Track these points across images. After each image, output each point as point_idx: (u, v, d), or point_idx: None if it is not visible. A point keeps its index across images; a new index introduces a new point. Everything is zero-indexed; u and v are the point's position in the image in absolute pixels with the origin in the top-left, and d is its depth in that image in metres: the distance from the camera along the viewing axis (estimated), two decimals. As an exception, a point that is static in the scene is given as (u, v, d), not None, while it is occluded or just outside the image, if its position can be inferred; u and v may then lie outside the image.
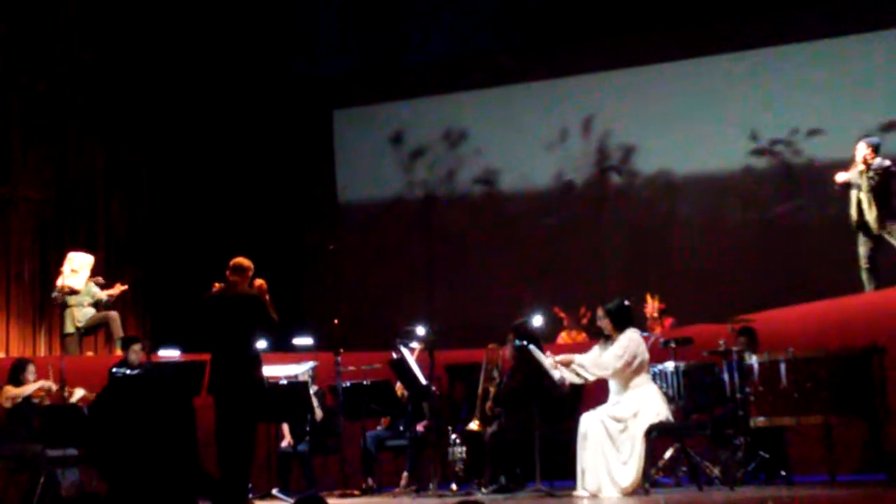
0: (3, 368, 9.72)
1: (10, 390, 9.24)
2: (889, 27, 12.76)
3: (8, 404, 9.18)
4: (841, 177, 9.93)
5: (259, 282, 8.18)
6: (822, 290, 10.15)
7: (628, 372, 7.44)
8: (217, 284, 8.11)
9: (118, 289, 11.70)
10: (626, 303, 7.82)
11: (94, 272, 11.86)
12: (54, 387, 9.29)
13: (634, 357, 7.41)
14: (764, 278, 12.74)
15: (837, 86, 12.91)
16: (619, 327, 7.56)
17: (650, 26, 13.78)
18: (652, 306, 11.38)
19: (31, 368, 9.40)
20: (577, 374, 7.65)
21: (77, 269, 11.48)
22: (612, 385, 7.55)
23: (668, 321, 11.31)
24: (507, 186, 14.65)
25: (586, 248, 13.55)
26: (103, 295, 11.57)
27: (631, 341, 7.45)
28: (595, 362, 7.57)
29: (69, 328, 11.34)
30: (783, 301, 10.00)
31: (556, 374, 7.71)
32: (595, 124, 14.22)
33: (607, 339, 7.65)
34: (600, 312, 7.71)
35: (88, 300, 11.48)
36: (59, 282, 11.39)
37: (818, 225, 12.94)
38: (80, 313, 11.37)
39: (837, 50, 13.05)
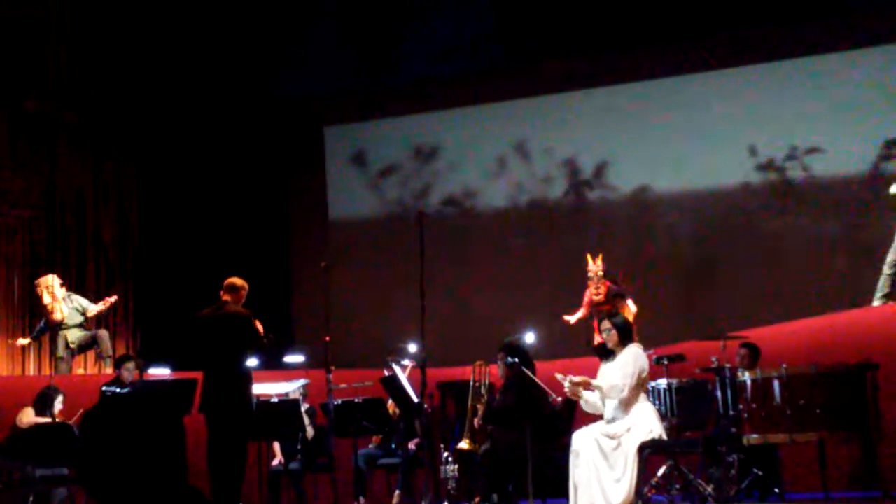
0: (16, 388, 9.69)
1: (31, 417, 9.22)
2: (884, 43, 12.82)
3: (23, 427, 9.15)
4: None
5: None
6: (815, 307, 10.17)
7: (636, 389, 7.44)
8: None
9: (108, 302, 11.64)
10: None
11: (81, 288, 11.80)
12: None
13: (642, 372, 7.43)
14: (755, 295, 12.76)
15: (832, 103, 12.98)
16: (624, 342, 7.55)
17: (631, 43, 13.85)
18: (596, 265, 11.27)
19: (59, 398, 9.37)
20: (588, 401, 7.59)
21: (48, 301, 11.40)
22: (611, 403, 7.51)
23: (607, 285, 11.22)
24: (492, 203, 14.69)
25: (572, 265, 13.52)
26: (93, 308, 11.50)
27: (638, 357, 7.45)
28: (610, 385, 7.46)
29: (60, 353, 11.28)
30: (775, 318, 10.00)
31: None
32: (572, 141, 14.29)
33: (609, 354, 7.61)
34: (607, 325, 7.67)
35: (78, 318, 11.41)
36: (48, 315, 11.35)
37: (810, 241, 12.99)
38: (73, 335, 11.32)
39: (830, 66, 13.12)
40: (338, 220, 15.39)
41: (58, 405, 9.34)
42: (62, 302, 11.39)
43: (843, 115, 12.81)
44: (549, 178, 14.48)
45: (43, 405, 9.32)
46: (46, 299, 11.36)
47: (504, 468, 8.22)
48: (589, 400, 7.64)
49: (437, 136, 15.00)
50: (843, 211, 12.88)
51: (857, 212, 12.63)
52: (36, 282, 11.61)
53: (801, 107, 13.10)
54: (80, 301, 11.58)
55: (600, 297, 11.03)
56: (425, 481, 8.90)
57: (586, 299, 11.23)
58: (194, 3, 14.36)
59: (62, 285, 11.57)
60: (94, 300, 12.06)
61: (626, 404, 7.42)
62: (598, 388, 7.47)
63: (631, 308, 10.96)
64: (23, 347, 12.32)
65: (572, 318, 11.27)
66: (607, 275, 11.18)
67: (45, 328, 11.52)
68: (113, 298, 11.77)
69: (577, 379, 7.56)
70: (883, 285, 9.46)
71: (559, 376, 7.71)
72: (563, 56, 14.18)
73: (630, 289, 11.40)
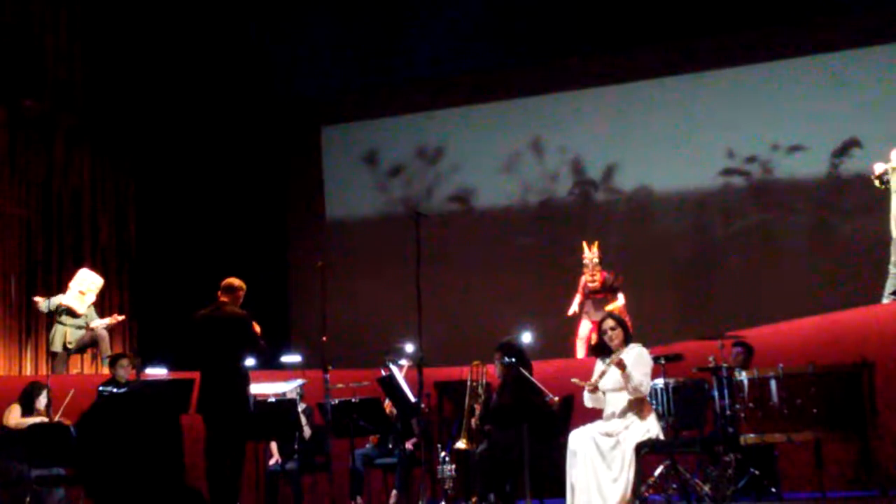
0: (14, 387, 9.72)
1: (17, 417, 9.23)
2: (864, 45, 12.90)
3: (11, 424, 9.16)
4: (880, 167, 9.51)
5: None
6: (812, 306, 10.18)
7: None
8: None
9: (115, 319, 11.64)
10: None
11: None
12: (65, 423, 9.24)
13: (652, 370, 7.46)
14: (753, 295, 12.78)
15: (812, 103, 13.06)
16: (627, 341, 7.56)
17: (629, 44, 13.89)
18: (592, 253, 11.49)
19: (43, 395, 9.38)
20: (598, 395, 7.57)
21: (85, 291, 11.40)
22: (614, 399, 7.49)
23: (603, 275, 11.43)
24: (489, 203, 14.71)
25: (570, 265, 13.56)
26: (97, 322, 11.47)
27: (647, 356, 7.47)
28: (640, 381, 7.41)
29: (56, 347, 11.25)
30: (772, 317, 10.00)
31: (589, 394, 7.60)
32: (572, 142, 14.32)
33: (609, 353, 7.59)
34: (612, 323, 7.65)
35: (83, 323, 11.40)
36: (60, 298, 11.28)
37: (808, 241, 13.02)
38: (72, 334, 11.29)
39: (811, 67, 13.19)
40: (335, 219, 15.39)
41: (42, 401, 9.34)
42: (89, 305, 11.38)
43: (825, 114, 12.90)
44: (548, 178, 14.50)
45: (28, 403, 9.33)
46: (83, 287, 11.33)
47: (501, 468, 8.21)
48: (597, 389, 7.59)
49: (437, 136, 15.01)
50: (840, 210, 12.91)
51: (853, 211, 12.67)
52: (85, 271, 11.57)
53: (800, 107, 13.17)
54: (93, 311, 11.56)
55: (596, 285, 11.38)
56: (422, 481, 8.91)
57: (582, 283, 11.48)
58: (192, 2, 14.34)
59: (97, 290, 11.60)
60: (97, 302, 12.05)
61: (641, 403, 7.42)
62: (630, 375, 7.39)
63: (619, 301, 11.16)
64: (20, 345, 12.32)
65: (574, 307, 11.57)
66: (603, 263, 11.41)
67: (58, 307, 11.40)
68: (121, 317, 11.77)
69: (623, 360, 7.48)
70: (891, 284, 9.47)
71: (575, 380, 7.69)
72: (565, 55, 14.22)
73: (621, 281, 11.53)
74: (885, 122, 12.34)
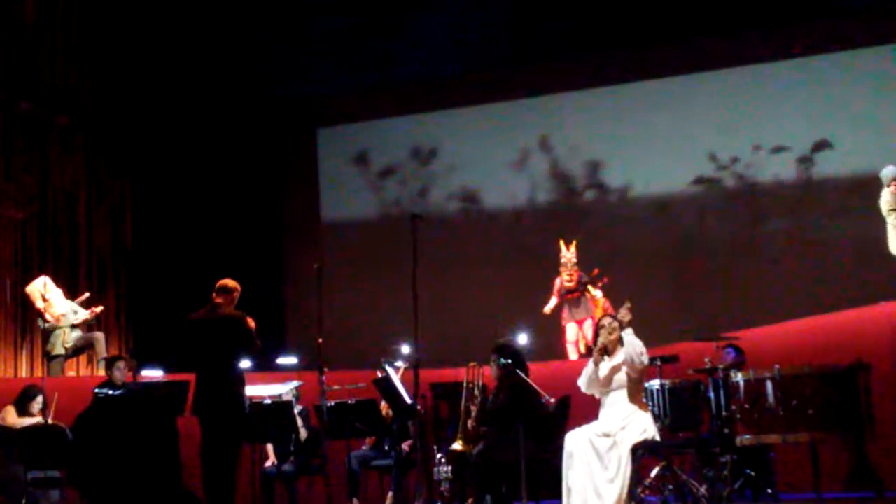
0: (9, 389, 9.71)
1: (12, 417, 9.21)
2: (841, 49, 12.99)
3: (8, 423, 9.16)
4: None
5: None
6: (808, 307, 10.18)
7: (638, 380, 7.44)
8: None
9: (94, 312, 11.62)
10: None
11: (74, 289, 11.75)
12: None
13: (645, 356, 7.44)
14: (749, 296, 12.79)
15: (794, 105, 13.12)
16: (620, 339, 7.57)
17: (620, 46, 13.94)
18: (570, 252, 11.65)
19: (39, 399, 9.37)
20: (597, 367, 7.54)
21: (46, 296, 11.37)
22: (613, 395, 7.49)
23: (578, 273, 11.74)
24: (485, 204, 14.74)
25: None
26: (85, 314, 11.47)
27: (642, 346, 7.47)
28: (640, 349, 7.43)
29: (59, 350, 11.24)
30: (769, 319, 10.01)
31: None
32: (564, 142, 14.36)
33: (605, 353, 7.58)
34: (609, 319, 7.65)
35: (73, 317, 11.39)
36: (48, 315, 11.27)
37: (805, 242, 13.05)
38: (69, 335, 11.29)
39: (794, 71, 13.24)
40: (331, 221, 15.39)
41: (36, 405, 9.33)
42: (54, 304, 11.34)
43: (847, 114, 12.96)
44: (544, 179, 14.51)
45: (23, 405, 9.33)
46: (39, 304, 11.32)
47: (497, 470, 8.21)
48: (599, 367, 7.56)
49: (432, 137, 15.03)
50: (834, 211, 12.94)
51: (848, 211, 12.70)
52: (30, 288, 11.54)
53: (798, 107, 13.21)
54: (73, 304, 11.56)
55: (572, 284, 11.70)
56: (418, 483, 8.90)
57: (557, 286, 11.61)
58: (189, 2, 14.33)
59: (57, 286, 11.55)
60: (88, 301, 12.00)
61: (633, 394, 7.41)
62: (633, 343, 7.39)
63: (598, 297, 11.31)
64: (15, 348, 12.30)
65: (548, 308, 11.83)
66: (593, 264, 11.56)
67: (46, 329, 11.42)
68: (99, 309, 11.74)
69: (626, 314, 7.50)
70: None
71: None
72: (558, 57, 14.24)
73: (606, 280, 11.63)
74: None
